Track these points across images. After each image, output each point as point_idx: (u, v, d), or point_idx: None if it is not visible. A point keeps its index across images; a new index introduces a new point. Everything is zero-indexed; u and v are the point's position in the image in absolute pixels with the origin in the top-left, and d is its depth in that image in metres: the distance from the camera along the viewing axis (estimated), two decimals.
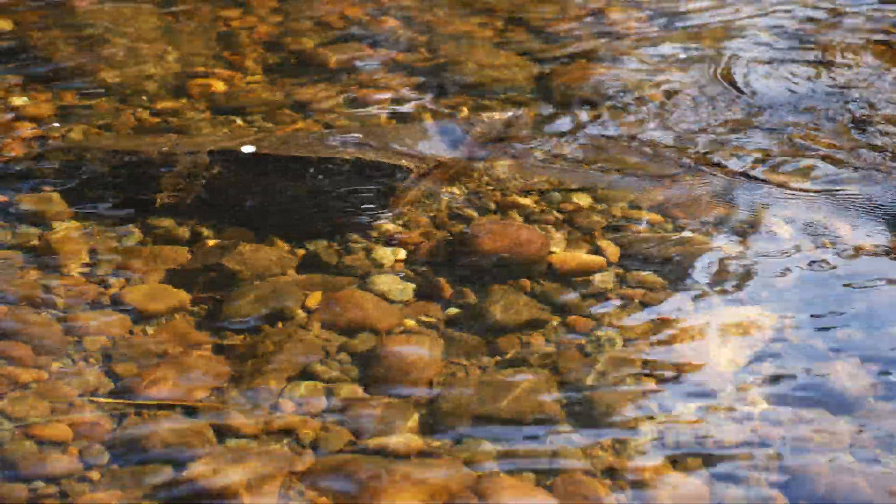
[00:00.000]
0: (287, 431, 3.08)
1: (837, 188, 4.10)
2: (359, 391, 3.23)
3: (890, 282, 3.66)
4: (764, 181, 4.14)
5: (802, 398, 3.22)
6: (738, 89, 4.77)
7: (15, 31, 5.15)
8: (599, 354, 3.36)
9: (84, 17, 5.20)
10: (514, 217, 3.94)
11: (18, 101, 4.60)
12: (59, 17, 5.23)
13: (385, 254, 3.75)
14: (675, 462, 3.02)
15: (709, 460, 3.02)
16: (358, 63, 4.98)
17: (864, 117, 4.55)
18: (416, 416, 3.14)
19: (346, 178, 3.97)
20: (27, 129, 4.40)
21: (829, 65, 4.99)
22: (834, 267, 3.71)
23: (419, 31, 5.29)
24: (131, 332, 3.42)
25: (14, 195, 3.99)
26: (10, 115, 4.50)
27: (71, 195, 3.99)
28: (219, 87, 4.76)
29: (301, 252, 3.76)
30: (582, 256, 3.74)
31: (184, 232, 3.84)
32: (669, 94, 4.72)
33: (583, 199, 4.03)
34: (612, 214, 3.96)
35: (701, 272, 3.69)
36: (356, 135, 4.26)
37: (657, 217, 3.95)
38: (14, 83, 4.74)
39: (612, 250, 3.77)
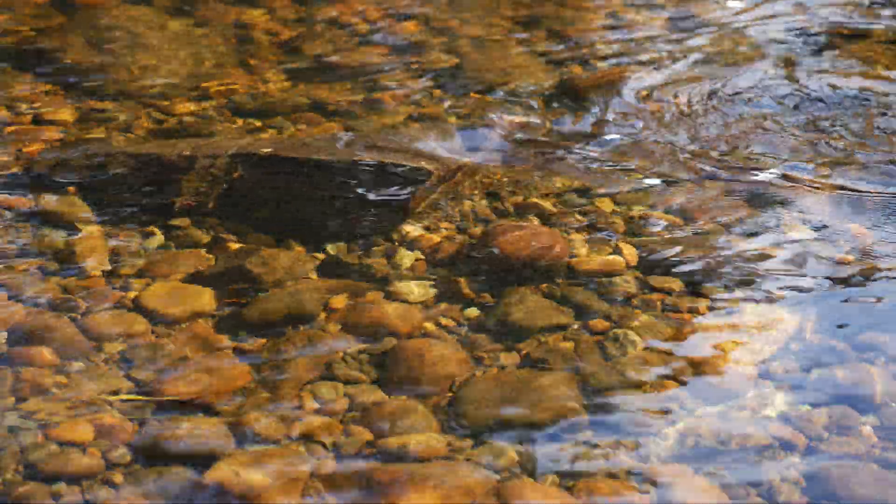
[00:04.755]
0: (308, 434, 3.09)
1: (859, 189, 4.09)
2: (379, 393, 3.23)
3: None
4: (785, 183, 4.13)
5: (824, 399, 3.21)
6: (760, 92, 4.76)
7: (35, 36, 5.17)
8: (620, 356, 3.36)
9: (104, 22, 5.22)
10: (535, 220, 3.94)
11: (40, 104, 4.62)
12: (79, 22, 5.24)
13: (405, 256, 3.76)
14: (696, 464, 3.01)
15: (730, 462, 3.02)
16: (378, 66, 4.99)
17: (887, 119, 4.54)
18: (436, 419, 3.14)
19: (367, 180, 3.98)
20: (49, 133, 4.42)
21: (851, 68, 4.98)
22: (855, 267, 3.70)
23: (439, 34, 5.29)
24: (152, 335, 3.43)
25: (36, 198, 4.00)
26: (31, 119, 4.52)
27: (92, 198, 4.00)
28: (239, 90, 4.77)
29: (321, 255, 3.76)
30: (602, 258, 3.73)
31: (205, 235, 3.85)
32: (690, 97, 4.72)
33: (603, 202, 4.03)
34: (633, 217, 3.96)
35: (721, 273, 3.69)
36: (376, 137, 4.27)
37: (677, 219, 3.95)
38: (35, 87, 4.76)
39: (632, 252, 3.77)
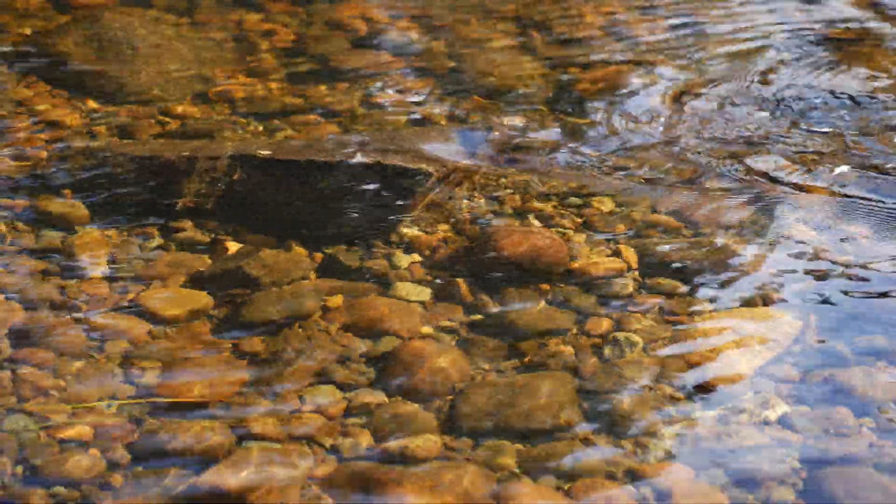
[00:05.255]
0: (307, 435, 3.09)
1: (861, 193, 4.09)
2: (379, 395, 3.23)
3: None
4: (785, 186, 4.13)
5: (823, 402, 3.21)
6: (761, 95, 4.76)
7: (37, 37, 5.17)
8: (619, 359, 3.36)
9: (105, 23, 5.22)
10: (534, 222, 3.94)
11: (41, 106, 4.62)
12: (80, 24, 5.25)
13: (404, 258, 3.76)
14: (695, 467, 3.01)
15: (728, 465, 3.02)
16: (378, 68, 4.99)
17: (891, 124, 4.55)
18: (435, 420, 3.15)
19: (366, 182, 3.98)
20: (49, 134, 4.42)
21: (856, 71, 4.98)
22: (856, 271, 3.70)
23: (439, 37, 5.29)
24: (152, 336, 3.44)
25: (36, 199, 4.01)
26: (32, 120, 4.52)
27: (92, 200, 4.00)
28: (239, 92, 4.77)
29: (320, 256, 3.76)
30: (602, 261, 3.74)
31: (204, 237, 3.86)
32: (690, 100, 4.72)
33: (603, 204, 4.03)
34: (633, 219, 3.96)
35: (721, 277, 3.69)
36: (376, 139, 4.27)
37: (677, 222, 3.95)
38: (36, 88, 4.76)
39: (632, 255, 3.77)
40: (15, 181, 4.13)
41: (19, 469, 2.97)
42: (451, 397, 3.22)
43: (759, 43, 5.29)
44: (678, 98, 4.74)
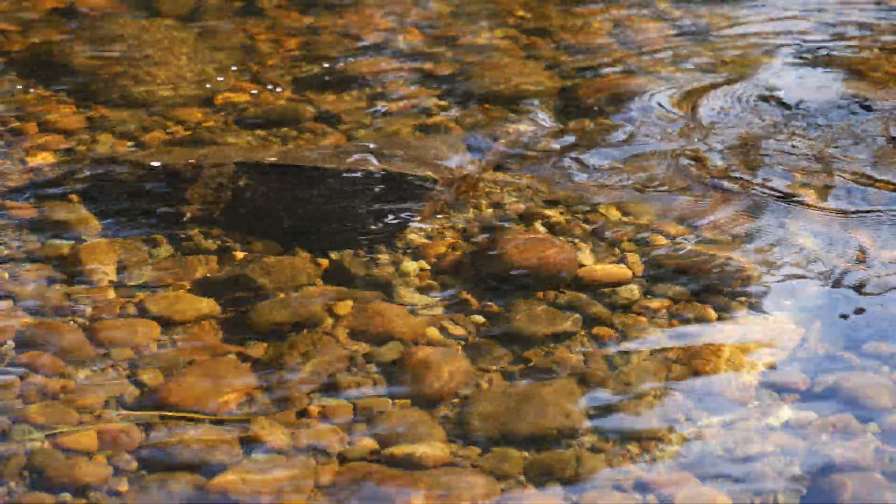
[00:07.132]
0: (313, 441, 3.09)
1: (865, 203, 4.09)
2: (385, 401, 3.23)
3: None
4: (791, 196, 4.14)
5: (828, 410, 3.21)
6: (766, 104, 4.76)
7: (43, 45, 5.18)
8: (625, 366, 3.36)
9: (111, 31, 5.23)
10: (540, 228, 3.94)
11: (47, 113, 4.63)
12: (86, 31, 5.26)
13: (411, 265, 3.76)
14: (702, 474, 3.01)
15: (735, 472, 3.02)
16: (383, 75, 5.00)
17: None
18: (441, 427, 3.15)
19: (372, 189, 3.99)
20: (56, 142, 4.43)
21: (861, 80, 4.98)
22: (860, 280, 3.70)
23: (444, 43, 5.30)
24: (158, 343, 3.44)
25: (43, 206, 4.01)
26: (39, 128, 4.53)
27: (99, 207, 4.01)
28: (245, 99, 4.78)
29: (326, 263, 3.77)
30: (608, 268, 3.74)
31: (211, 243, 3.86)
32: (696, 108, 4.72)
33: (609, 212, 4.04)
34: (639, 227, 3.96)
35: (726, 284, 3.69)
36: (382, 146, 4.27)
37: (683, 230, 3.95)
38: (43, 96, 4.77)
39: (638, 262, 3.77)
40: (22, 188, 4.13)
41: (26, 476, 2.98)
42: (457, 404, 3.23)
43: (765, 50, 5.29)
44: (684, 105, 4.75)
